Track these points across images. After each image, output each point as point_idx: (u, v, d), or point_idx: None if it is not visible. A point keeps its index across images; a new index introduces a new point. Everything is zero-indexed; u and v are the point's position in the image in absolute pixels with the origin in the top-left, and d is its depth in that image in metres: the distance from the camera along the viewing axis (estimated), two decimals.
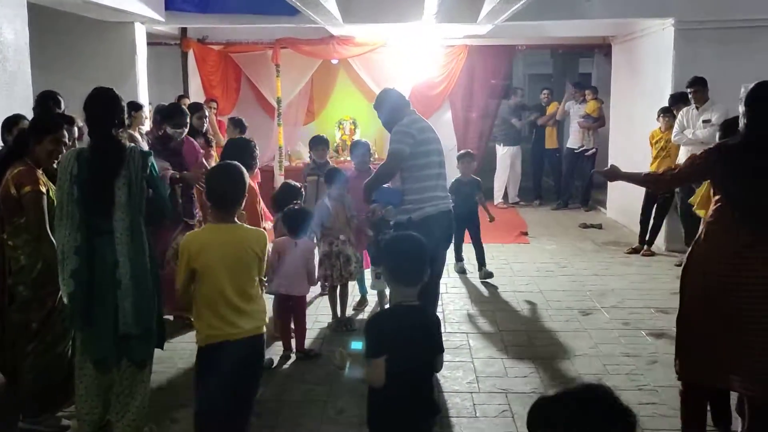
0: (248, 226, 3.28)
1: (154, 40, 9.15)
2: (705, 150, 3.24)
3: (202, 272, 3.07)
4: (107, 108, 3.44)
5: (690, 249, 3.30)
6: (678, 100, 7.44)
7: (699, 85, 7.02)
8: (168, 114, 5.61)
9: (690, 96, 7.11)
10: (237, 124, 7.29)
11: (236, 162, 3.31)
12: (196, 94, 9.54)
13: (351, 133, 11.13)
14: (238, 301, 3.09)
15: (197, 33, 9.95)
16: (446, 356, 4.83)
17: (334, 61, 10.82)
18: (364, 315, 5.81)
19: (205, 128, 6.32)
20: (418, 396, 2.66)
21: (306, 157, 8.89)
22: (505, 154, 11.11)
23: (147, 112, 7.16)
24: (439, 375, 4.56)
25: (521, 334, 5.28)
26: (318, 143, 6.32)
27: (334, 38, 9.92)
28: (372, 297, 6.00)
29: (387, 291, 5.48)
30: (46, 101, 4.76)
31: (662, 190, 3.47)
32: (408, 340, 2.58)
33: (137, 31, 7.75)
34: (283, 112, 10.47)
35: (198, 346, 3.15)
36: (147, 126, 7.14)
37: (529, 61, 18.99)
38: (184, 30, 9.61)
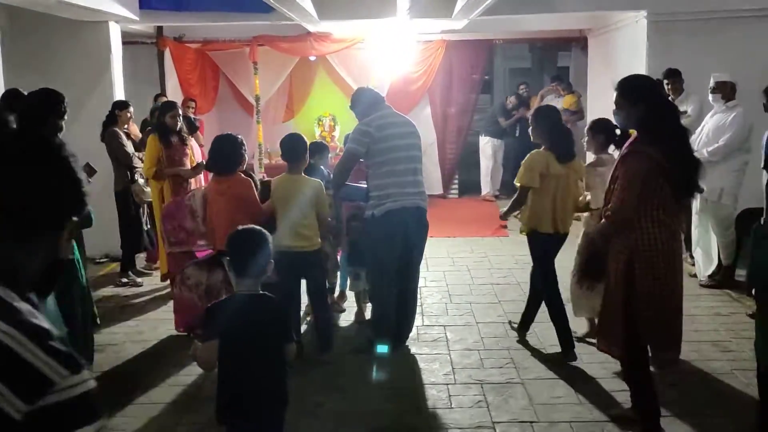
0: (308, 177, 4.66)
1: (129, 39, 9.10)
2: (634, 157, 3.32)
3: (275, 203, 4.55)
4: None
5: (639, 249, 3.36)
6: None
7: (675, 76, 7.06)
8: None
9: (668, 88, 7.17)
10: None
11: (299, 133, 4.81)
12: (174, 92, 9.49)
13: (330, 130, 11.15)
14: (296, 227, 4.49)
15: (173, 31, 9.89)
16: (424, 348, 4.93)
17: (312, 58, 10.81)
18: (346, 309, 5.82)
19: (179, 127, 6.29)
20: (260, 383, 2.77)
21: None
22: (487, 144, 11.19)
23: (132, 111, 7.09)
24: (416, 367, 4.62)
25: (498, 326, 5.33)
26: (323, 149, 5.64)
27: (311, 35, 9.91)
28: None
29: (366, 289, 5.54)
30: (7, 99, 4.64)
31: (628, 224, 3.39)
32: (243, 327, 2.73)
33: (112, 31, 7.70)
34: (262, 110, 10.46)
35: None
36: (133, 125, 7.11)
37: (509, 55, 19.08)
38: (160, 28, 9.55)
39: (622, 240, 3.38)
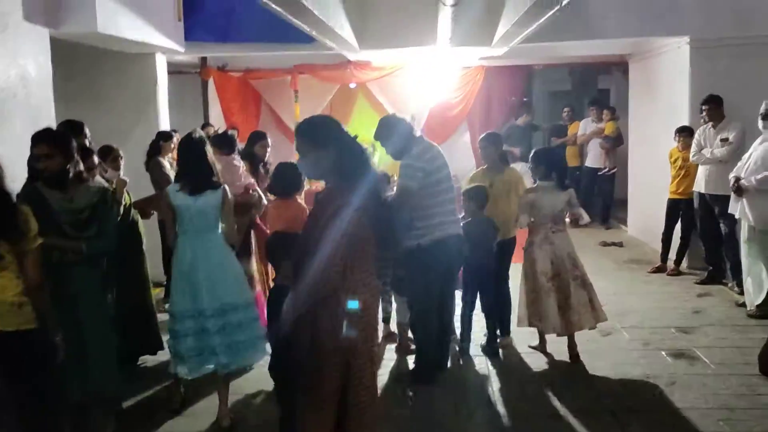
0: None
1: (174, 69, 9.31)
2: (341, 216, 2.82)
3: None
4: None
5: None
6: None
7: (713, 103, 6.95)
8: None
9: (704, 114, 7.05)
10: (222, 142, 5.83)
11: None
12: (217, 121, 9.68)
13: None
14: None
15: (217, 61, 10.11)
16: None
17: (352, 85, 10.93)
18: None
19: (267, 156, 6.42)
20: None
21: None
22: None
23: (176, 141, 7.22)
24: (455, 397, 4.59)
25: (539, 356, 5.25)
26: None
27: (351, 63, 10.05)
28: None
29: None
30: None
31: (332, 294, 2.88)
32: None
33: (158, 62, 7.86)
34: None
35: None
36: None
37: (548, 78, 18.89)
38: (204, 59, 9.77)
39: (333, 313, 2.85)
